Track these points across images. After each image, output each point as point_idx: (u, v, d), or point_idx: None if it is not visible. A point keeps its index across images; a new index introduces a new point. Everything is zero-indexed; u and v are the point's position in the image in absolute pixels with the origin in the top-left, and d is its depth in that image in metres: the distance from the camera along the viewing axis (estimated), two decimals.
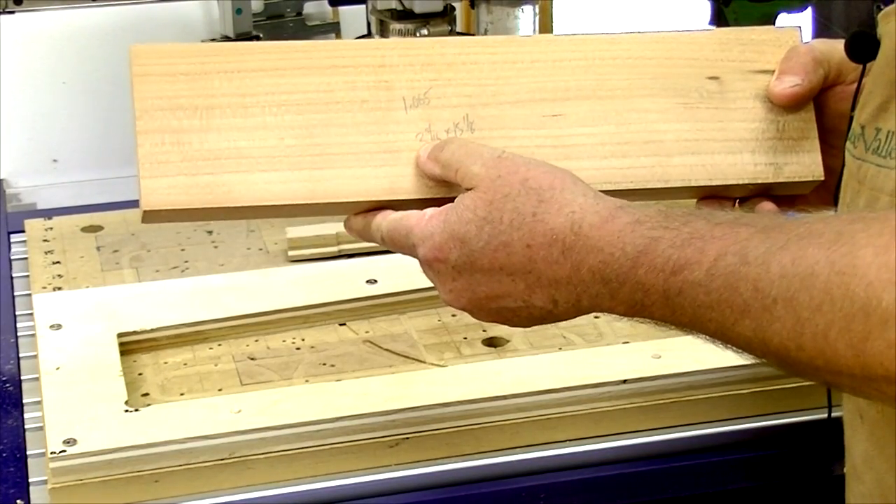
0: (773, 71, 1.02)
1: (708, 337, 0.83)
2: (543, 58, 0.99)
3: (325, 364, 1.23)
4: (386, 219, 0.96)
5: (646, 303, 0.84)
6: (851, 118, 0.94)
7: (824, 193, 1.04)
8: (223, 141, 0.94)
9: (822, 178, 1.02)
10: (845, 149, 0.94)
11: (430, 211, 0.93)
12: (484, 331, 1.27)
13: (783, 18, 1.56)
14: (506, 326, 0.95)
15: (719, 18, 1.58)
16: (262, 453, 1.09)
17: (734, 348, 0.82)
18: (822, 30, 1.77)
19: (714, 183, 1.00)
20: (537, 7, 1.52)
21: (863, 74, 0.95)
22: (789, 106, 1.02)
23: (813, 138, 1.01)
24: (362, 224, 0.98)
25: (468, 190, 0.91)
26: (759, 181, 1.00)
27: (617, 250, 0.85)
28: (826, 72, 1.01)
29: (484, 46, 1.00)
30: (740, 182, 1.00)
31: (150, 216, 0.94)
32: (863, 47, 0.95)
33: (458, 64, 0.99)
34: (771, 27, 1.05)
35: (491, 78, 0.99)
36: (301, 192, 0.95)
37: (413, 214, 0.94)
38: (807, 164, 1.01)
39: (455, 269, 0.91)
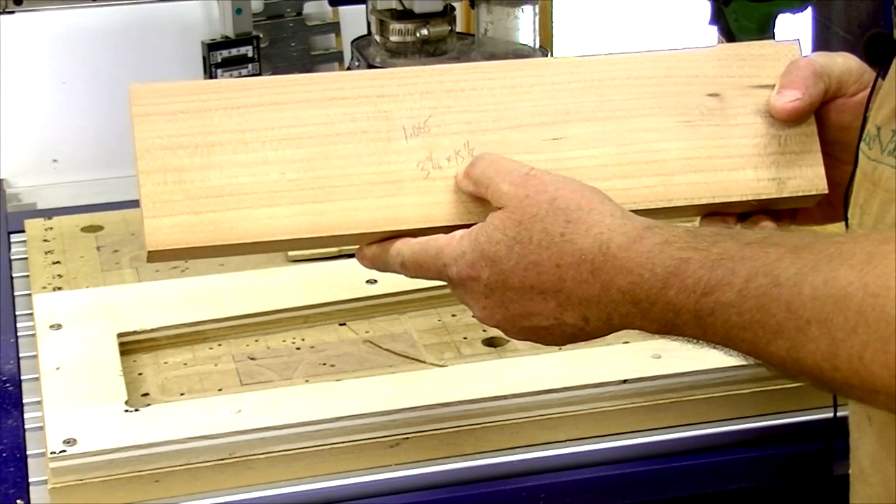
0: (773, 86, 1.02)
1: (742, 355, 0.83)
2: (542, 81, 1.00)
3: (325, 364, 1.23)
4: (408, 244, 0.96)
5: (677, 322, 0.84)
6: (865, 119, 0.94)
7: (826, 206, 1.04)
8: (225, 178, 0.95)
9: (826, 192, 1.02)
10: (859, 150, 0.93)
11: (459, 232, 0.94)
12: (484, 331, 1.27)
13: (783, 18, 1.56)
14: None
15: (719, 18, 1.58)
16: (262, 453, 1.09)
17: (768, 365, 0.82)
18: (822, 30, 1.77)
19: (718, 200, 1.00)
20: (537, 7, 1.52)
21: (878, 76, 0.95)
22: (790, 120, 1.02)
23: (815, 152, 1.01)
24: (377, 252, 0.98)
25: (498, 209, 0.92)
26: (763, 197, 1.00)
27: (646, 271, 0.85)
28: (826, 85, 1.01)
29: (482, 72, 1.00)
30: (744, 198, 1.00)
31: (155, 256, 0.94)
32: (880, 49, 0.94)
33: (456, 91, 0.99)
34: (770, 41, 1.05)
35: (490, 103, 0.99)
36: (305, 226, 0.95)
37: (441, 237, 0.94)
38: (810, 178, 1.01)
39: (487, 286, 0.91)
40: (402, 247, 0.96)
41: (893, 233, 0.77)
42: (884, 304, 0.74)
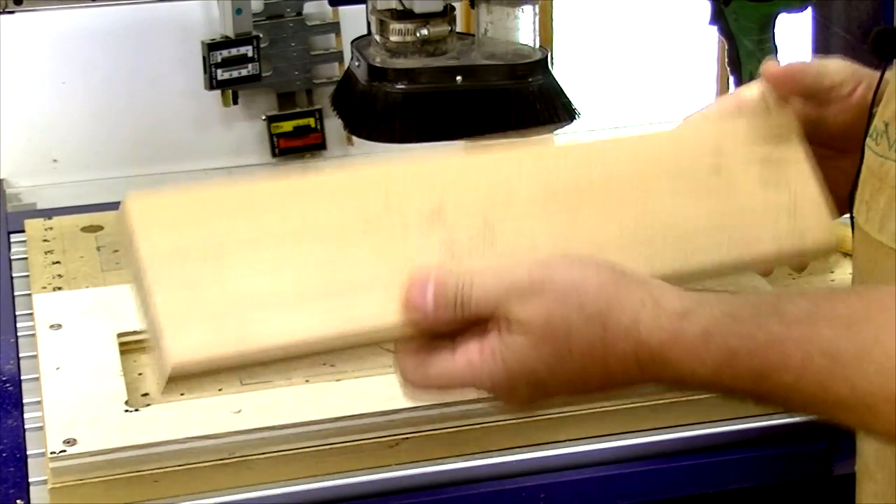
0: (777, 159, 1.00)
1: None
2: (548, 161, 0.96)
3: (325, 364, 1.23)
4: (427, 378, 0.85)
5: (735, 397, 0.83)
6: (872, 114, 0.94)
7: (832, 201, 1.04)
8: (241, 283, 0.88)
9: (835, 249, 1.00)
10: (865, 145, 0.93)
11: (472, 357, 0.83)
12: None
13: (783, 18, 1.56)
14: None
15: (719, 18, 1.58)
16: (262, 453, 1.09)
17: None
18: (822, 30, 1.77)
19: (738, 261, 0.98)
20: (537, 7, 1.52)
21: (884, 71, 0.95)
22: (779, 78, 1.00)
23: (823, 209, 1.00)
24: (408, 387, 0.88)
25: (517, 334, 0.82)
26: (783, 252, 0.98)
27: (696, 365, 0.81)
28: (823, 81, 1.00)
29: (489, 157, 0.96)
30: (763, 257, 0.99)
31: (178, 373, 0.85)
32: (887, 44, 0.94)
33: (466, 172, 0.95)
34: (769, 113, 1.04)
35: (501, 182, 0.94)
36: (334, 324, 0.89)
37: (456, 367, 0.84)
38: (820, 232, 1.00)
39: (530, 399, 0.84)
40: (423, 382, 0.86)
41: None
42: None
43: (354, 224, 0.91)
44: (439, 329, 0.84)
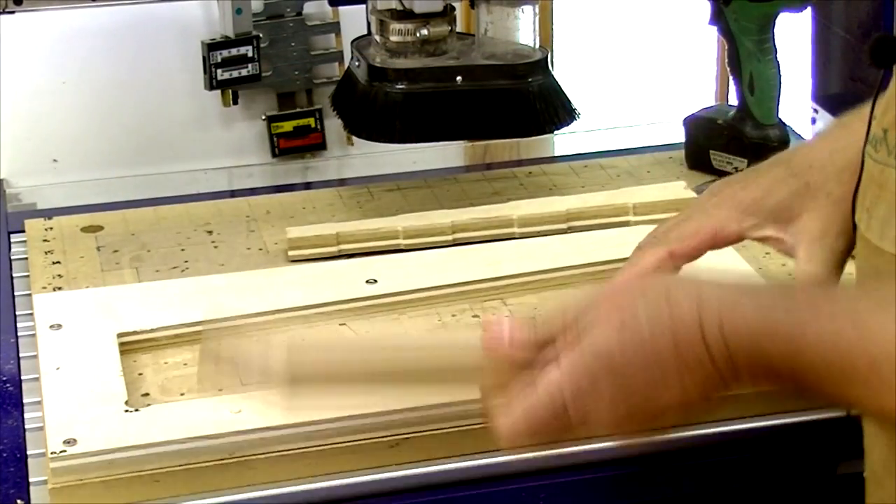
0: None
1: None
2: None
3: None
4: (515, 417, 0.87)
5: (779, 380, 0.84)
6: (870, 122, 0.94)
7: None
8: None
9: None
10: (865, 152, 0.93)
11: (551, 376, 0.85)
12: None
13: (783, 18, 1.56)
14: None
15: (719, 18, 1.58)
16: (262, 453, 1.09)
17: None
18: (822, 30, 1.77)
19: None
20: (537, 7, 1.52)
21: (883, 78, 0.95)
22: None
23: None
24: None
25: (588, 329, 0.84)
26: None
27: (745, 334, 0.82)
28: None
29: None
30: None
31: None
32: (885, 51, 0.94)
33: None
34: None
35: None
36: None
37: (538, 393, 0.86)
38: None
39: (612, 400, 0.86)
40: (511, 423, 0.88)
41: None
42: None
43: None
44: (517, 357, 0.87)
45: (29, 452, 1.13)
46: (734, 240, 1.10)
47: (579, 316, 0.85)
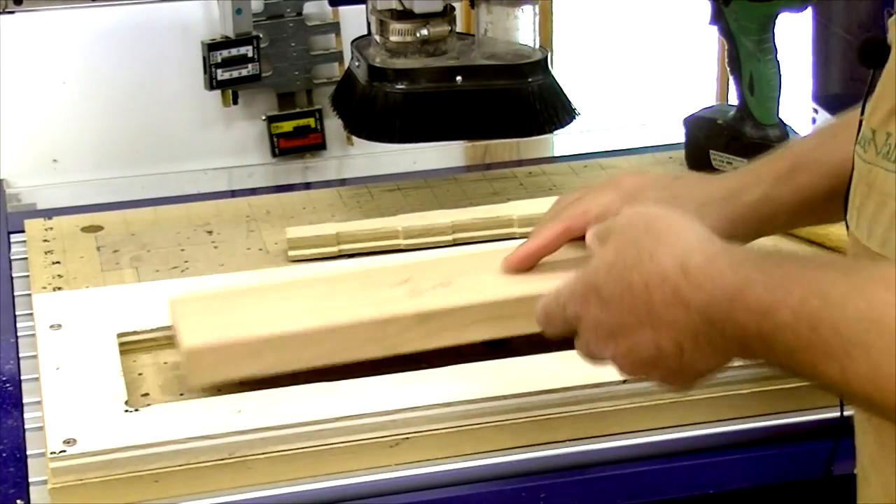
0: None
1: (806, 379, 0.84)
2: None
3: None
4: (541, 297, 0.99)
5: (747, 344, 0.85)
6: (861, 122, 0.94)
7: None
8: (247, 311, 1.20)
9: None
10: (855, 153, 0.94)
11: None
12: None
13: (783, 18, 1.56)
14: None
15: (719, 18, 1.58)
16: (262, 453, 1.09)
17: (828, 392, 0.83)
18: (822, 30, 1.77)
19: None
20: (537, 7, 1.52)
21: (872, 78, 0.95)
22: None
23: None
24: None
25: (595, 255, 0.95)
26: None
27: (717, 290, 0.85)
28: None
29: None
30: None
31: (192, 353, 1.15)
32: (873, 52, 0.95)
33: (434, 263, 1.27)
34: None
35: (464, 265, 1.25)
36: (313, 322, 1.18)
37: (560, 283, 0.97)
38: None
39: (595, 318, 0.93)
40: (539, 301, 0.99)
41: None
42: None
43: (342, 290, 1.23)
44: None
45: (29, 452, 1.13)
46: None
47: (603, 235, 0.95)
